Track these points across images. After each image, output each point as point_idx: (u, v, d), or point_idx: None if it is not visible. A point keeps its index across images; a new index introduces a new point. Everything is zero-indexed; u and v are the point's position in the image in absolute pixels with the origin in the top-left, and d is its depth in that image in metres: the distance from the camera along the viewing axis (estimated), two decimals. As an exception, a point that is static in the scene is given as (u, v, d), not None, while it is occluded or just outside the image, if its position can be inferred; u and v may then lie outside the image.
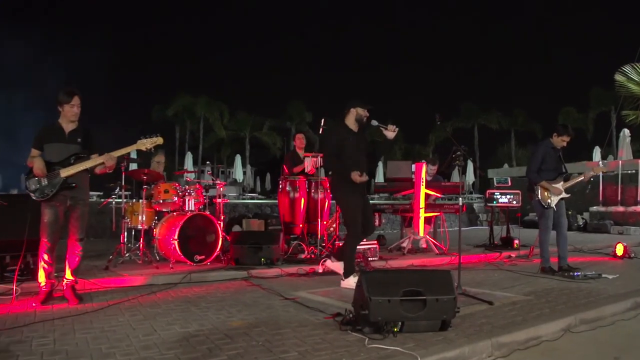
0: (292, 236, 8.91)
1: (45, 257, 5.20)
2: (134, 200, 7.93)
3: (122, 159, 7.30)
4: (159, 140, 5.53)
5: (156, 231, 7.78)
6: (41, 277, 5.25)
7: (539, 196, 7.38)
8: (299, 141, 9.50)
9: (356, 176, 5.97)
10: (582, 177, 7.65)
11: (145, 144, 5.48)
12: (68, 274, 5.34)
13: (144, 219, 7.66)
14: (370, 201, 7.51)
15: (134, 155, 9.00)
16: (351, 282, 5.89)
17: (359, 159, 6.16)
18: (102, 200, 12.50)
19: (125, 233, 7.71)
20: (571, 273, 7.16)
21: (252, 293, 5.92)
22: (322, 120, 7.98)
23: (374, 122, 6.27)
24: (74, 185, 5.19)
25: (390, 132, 6.18)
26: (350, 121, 6.29)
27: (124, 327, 4.37)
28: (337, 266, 6.40)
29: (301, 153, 9.34)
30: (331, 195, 7.53)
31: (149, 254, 7.47)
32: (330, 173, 6.60)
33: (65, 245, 5.35)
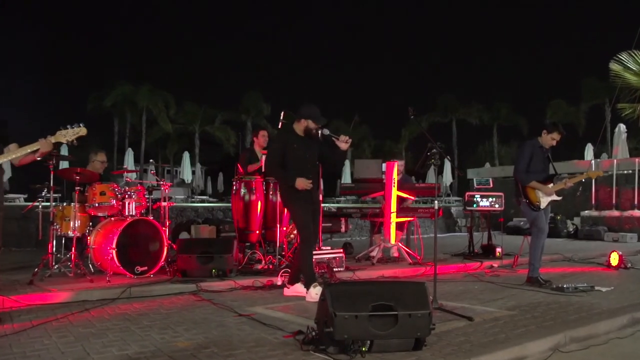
0: (247, 244, 8.87)
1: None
2: (64, 204, 7.80)
3: (50, 156, 7.13)
4: (82, 130, 5.34)
5: (91, 239, 7.66)
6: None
7: (528, 199, 7.47)
8: (262, 139, 9.31)
9: (301, 183, 6.31)
10: (565, 184, 7.67)
11: (66, 135, 5.28)
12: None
13: (76, 225, 7.54)
14: (336, 204, 7.54)
15: (64, 152, 8.84)
16: (312, 293, 5.95)
17: (305, 166, 6.50)
18: (27, 203, 12.27)
19: (54, 241, 7.56)
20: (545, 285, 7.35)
21: (202, 309, 5.89)
22: (282, 114, 7.97)
23: (325, 131, 6.58)
24: None
25: (343, 144, 6.52)
26: (299, 129, 6.61)
27: (51, 351, 4.29)
28: (297, 288, 6.55)
29: (260, 152, 9.20)
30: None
31: (82, 265, 7.35)
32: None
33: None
